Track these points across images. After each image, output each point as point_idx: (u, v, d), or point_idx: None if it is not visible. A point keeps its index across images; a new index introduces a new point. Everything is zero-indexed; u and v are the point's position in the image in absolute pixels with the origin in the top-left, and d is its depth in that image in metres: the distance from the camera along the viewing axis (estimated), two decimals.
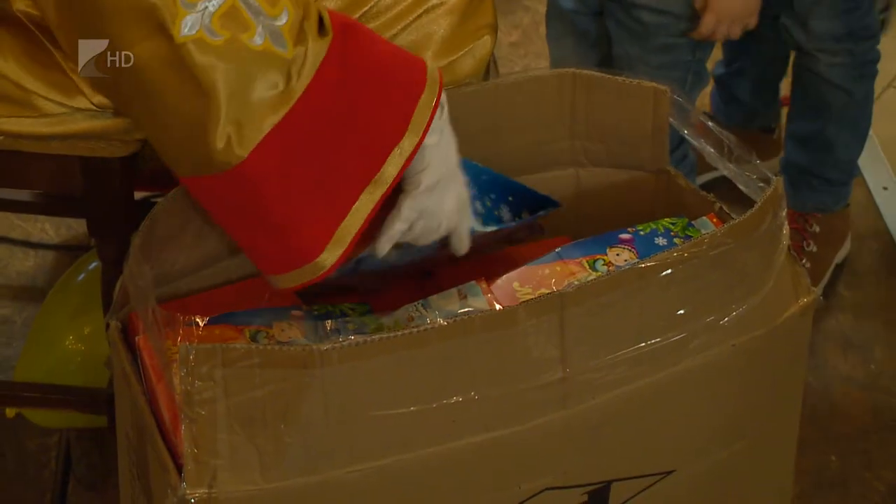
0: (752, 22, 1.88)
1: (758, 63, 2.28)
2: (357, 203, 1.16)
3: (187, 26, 1.10)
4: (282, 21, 1.13)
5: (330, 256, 1.16)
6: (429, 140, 1.20)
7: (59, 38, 1.19)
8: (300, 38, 1.14)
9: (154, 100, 1.13)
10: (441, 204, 1.23)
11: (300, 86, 1.13)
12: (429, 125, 1.19)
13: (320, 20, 1.17)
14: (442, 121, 1.22)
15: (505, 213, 1.39)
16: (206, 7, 1.10)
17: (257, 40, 1.12)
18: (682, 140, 1.81)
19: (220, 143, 1.11)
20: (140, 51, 1.11)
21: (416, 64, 1.21)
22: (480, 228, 1.31)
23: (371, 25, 1.34)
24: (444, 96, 1.22)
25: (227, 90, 1.10)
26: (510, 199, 1.40)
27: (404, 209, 1.21)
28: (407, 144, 1.18)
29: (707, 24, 1.85)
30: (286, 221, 1.15)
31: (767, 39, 2.20)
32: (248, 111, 1.11)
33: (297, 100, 1.13)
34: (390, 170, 1.18)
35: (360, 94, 1.17)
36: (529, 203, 1.42)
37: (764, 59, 2.27)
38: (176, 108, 1.12)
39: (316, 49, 1.14)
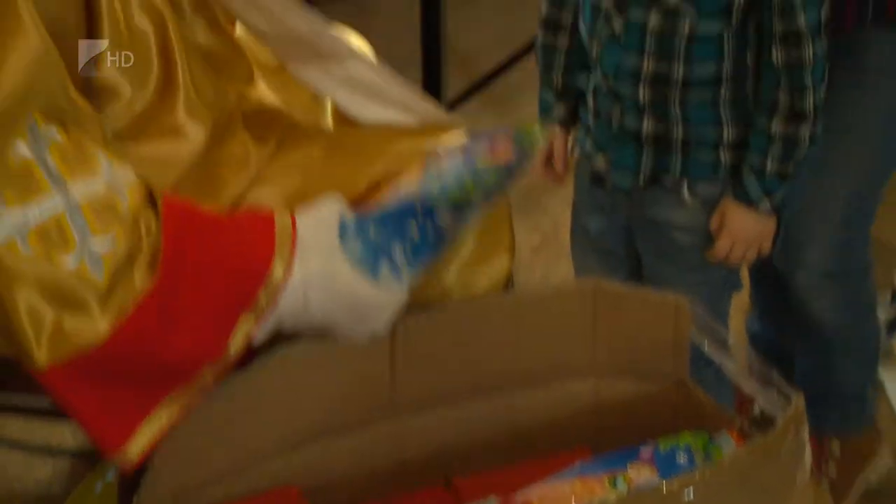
0: (767, 246, 1.85)
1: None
2: (152, 414, 1.20)
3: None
4: (105, 248, 1.14)
5: (135, 448, 1.19)
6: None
7: None
8: (123, 272, 1.14)
9: None
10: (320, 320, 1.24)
11: (111, 324, 1.14)
12: (247, 344, 1.21)
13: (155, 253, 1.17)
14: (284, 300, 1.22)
15: (446, 217, 1.28)
16: (27, 218, 1.11)
17: (71, 262, 1.12)
18: None
19: (26, 351, 1.13)
20: None
21: (251, 279, 1.20)
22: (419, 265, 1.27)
23: None
24: (296, 271, 1.21)
25: (25, 304, 1.11)
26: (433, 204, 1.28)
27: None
28: (209, 370, 1.21)
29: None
30: (87, 425, 1.18)
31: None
32: (49, 330, 1.12)
33: (109, 336, 1.14)
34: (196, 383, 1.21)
35: (175, 328, 1.17)
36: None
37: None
38: None
39: (137, 288, 1.15)
